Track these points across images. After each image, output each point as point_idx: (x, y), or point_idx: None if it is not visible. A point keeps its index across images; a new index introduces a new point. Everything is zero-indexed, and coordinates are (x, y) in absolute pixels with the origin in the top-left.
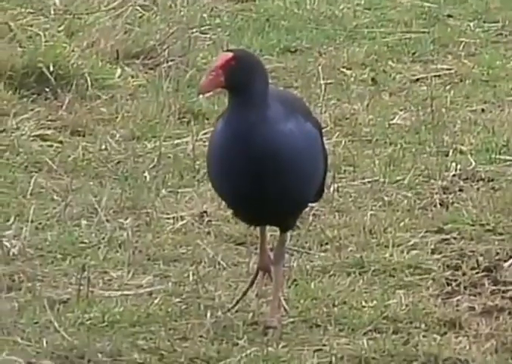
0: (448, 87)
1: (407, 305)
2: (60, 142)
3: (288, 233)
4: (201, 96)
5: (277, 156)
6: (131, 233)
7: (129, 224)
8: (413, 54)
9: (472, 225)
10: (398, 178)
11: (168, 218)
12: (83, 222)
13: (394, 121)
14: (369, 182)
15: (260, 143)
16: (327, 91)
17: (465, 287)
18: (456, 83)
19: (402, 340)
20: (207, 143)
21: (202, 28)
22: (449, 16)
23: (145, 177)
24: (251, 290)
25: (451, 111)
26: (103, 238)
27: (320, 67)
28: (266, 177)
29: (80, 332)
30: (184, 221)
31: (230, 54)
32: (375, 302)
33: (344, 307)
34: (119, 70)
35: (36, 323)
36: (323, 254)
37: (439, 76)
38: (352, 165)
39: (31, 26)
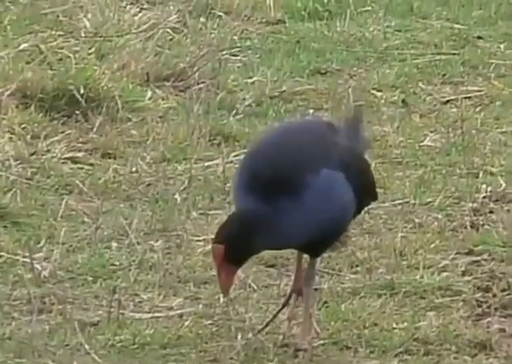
0: (478, 109)
1: (437, 327)
2: (91, 164)
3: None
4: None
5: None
6: (161, 255)
7: (159, 246)
8: (444, 75)
9: (503, 246)
10: (429, 200)
11: (199, 240)
12: (114, 244)
13: (424, 143)
14: (399, 204)
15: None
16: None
17: (496, 309)
18: (486, 105)
19: (433, 362)
20: (237, 165)
21: (232, 50)
22: (479, 37)
23: (176, 199)
24: (281, 312)
25: (481, 132)
26: (133, 260)
27: (350, 89)
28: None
29: (111, 354)
30: None
31: (221, 247)
32: (405, 323)
33: (375, 329)
34: (149, 93)
35: (67, 345)
36: (353, 276)
37: (469, 97)
38: (383, 187)
39: (61, 48)
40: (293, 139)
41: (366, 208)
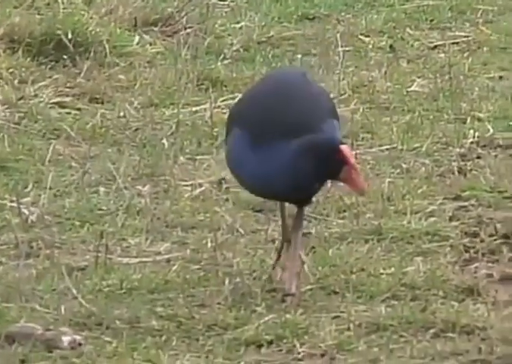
0: (465, 54)
1: (424, 273)
2: (79, 109)
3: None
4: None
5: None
6: (149, 200)
7: (147, 191)
8: (431, 21)
9: (491, 192)
10: (416, 145)
11: (186, 185)
12: (101, 189)
13: (412, 88)
14: (387, 149)
15: None
16: (345, 58)
17: (483, 254)
18: (474, 51)
19: (420, 307)
20: (225, 110)
21: None
22: None
23: (163, 144)
24: (269, 256)
25: (469, 78)
26: (121, 205)
27: (338, 35)
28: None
29: (98, 299)
30: (202, 188)
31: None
32: (393, 269)
33: (362, 274)
34: (137, 38)
35: (54, 290)
36: (340, 221)
37: (457, 43)
38: (370, 132)
39: None
40: (296, 91)
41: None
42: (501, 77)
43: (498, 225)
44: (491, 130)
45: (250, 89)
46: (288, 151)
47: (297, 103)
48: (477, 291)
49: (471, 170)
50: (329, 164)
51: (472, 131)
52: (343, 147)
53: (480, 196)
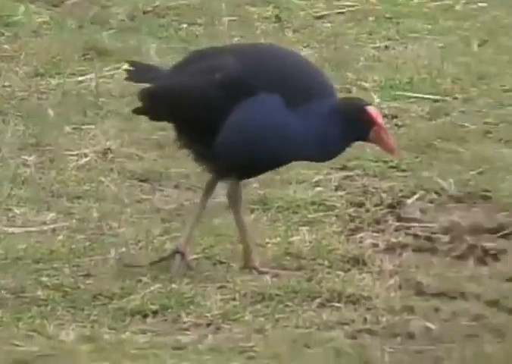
0: (351, 24)
1: (310, 242)
2: None
3: None
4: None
5: None
6: (34, 170)
7: (32, 160)
8: None
9: (376, 162)
10: None
11: (72, 155)
12: None
13: None
14: None
15: None
16: (231, 28)
17: (368, 224)
18: (359, 20)
19: (306, 277)
20: (110, 80)
21: None
22: None
23: (49, 113)
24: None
25: (355, 47)
26: (6, 175)
27: (223, 4)
28: None
29: None
30: (87, 158)
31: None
32: (278, 238)
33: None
34: (22, 7)
35: None
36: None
37: (343, 13)
38: None
39: None
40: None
41: None
42: (386, 47)
43: (383, 195)
44: (377, 100)
45: (241, 54)
46: (321, 113)
47: (313, 68)
48: (362, 261)
49: None
50: (358, 124)
51: None
52: (370, 108)
53: (366, 165)
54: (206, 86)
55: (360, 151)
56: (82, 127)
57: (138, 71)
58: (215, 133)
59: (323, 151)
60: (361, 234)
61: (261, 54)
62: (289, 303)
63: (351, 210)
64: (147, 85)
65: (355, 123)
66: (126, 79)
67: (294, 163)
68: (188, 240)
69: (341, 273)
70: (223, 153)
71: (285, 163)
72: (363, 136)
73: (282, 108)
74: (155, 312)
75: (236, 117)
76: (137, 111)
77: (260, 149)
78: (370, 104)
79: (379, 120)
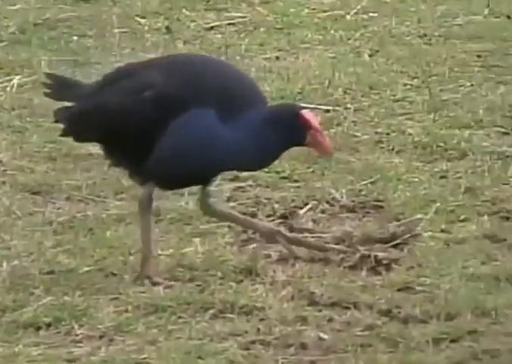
0: (242, 35)
1: (203, 253)
2: None
3: None
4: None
5: None
6: None
7: None
8: (207, 2)
9: (268, 172)
10: None
11: None
12: None
13: None
14: None
15: None
16: (121, 40)
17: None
18: (250, 31)
19: (198, 288)
20: (1, 93)
21: None
22: None
23: None
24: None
25: (246, 58)
26: None
27: (114, 16)
28: None
29: None
30: None
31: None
32: (171, 250)
33: (141, 255)
34: None
35: None
36: (118, 203)
37: (233, 24)
38: None
39: None
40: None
41: None
42: (277, 58)
43: (276, 205)
44: None
45: (159, 71)
46: (255, 122)
47: (241, 77)
48: (255, 272)
49: None
50: (293, 129)
51: None
52: (304, 112)
53: (258, 176)
54: (136, 105)
55: None
56: None
57: (59, 87)
58: (149, 150)
59: (260, 160)
60: (254, 245)
61: (188, 68)
62: (182, 315)
63: None
64: (67, 103)
65: (290, 129)
66: (46, 95)
67: None
68: (151, 263)
69: (234, 284)
70: (159, 170)
71: (222, 172)
72: (299, 141)
73: (215, 123)
74: (48, 325)
75: (170, 135)
76: (64, 134)
77: (196, 164)
78: (305, 108)
79: (315, 123)
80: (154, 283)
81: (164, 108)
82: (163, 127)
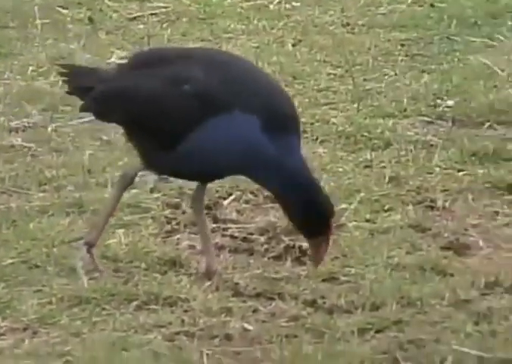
0: (164, 25)
1: (126, 245)
2: None
3: None
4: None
5: None
6: None
7: None
8: None
9: None
10: None
11: None
12: None
13: (111, 60)
14: (87, 121)
15: None
16: (44, 31)
17: (185, 226)
18: (173, 21)
19: (122, 280)
20: None
21: None
22: None
23: None
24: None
25: None
26: None
27: (36, 7)
28: None
29: None
30: None
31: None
32: None
33: (64, 247)
34: None
35: None
36: (41, 194)
37: (156, 14)
38: (70, 105)
39: None
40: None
41: (54, 126)
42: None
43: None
44: None
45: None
46: (298, 166)
47: (284, 93)
48: (179, 263)
49: None
50: (314, 219)
51: None
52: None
53: None
54: (174, 97)
55: None
56: None
57: (76, 75)
58: (175, 142)
59: (270, 183)
60: (178, 236)
61: (231, 68)
62: (106, 306)
63: (167, 212)
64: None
65: (315, 220)
66: (66, 83)
67: (108, 163)
68: (99, 233)
69: (158, 275)
70: (184, 163)
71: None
72: (308, 234)
73: (258, 131)
74: None
75: (208, 132)
76: (84, 109)
77: (224, 165)
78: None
79: (331, 235)
80: (89, 253)
81: (205, 104)
82: (199, 122)
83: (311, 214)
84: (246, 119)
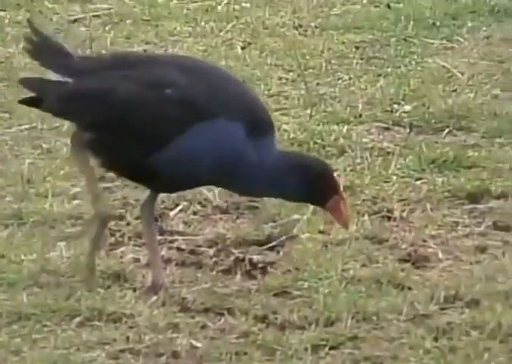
0: (107, 28)
1: (68, 258)
2: None
3: None
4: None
5: None
6: None
7: None
8: None
9: None
10: (57, 125)
11: None
12: None
13: None
14: (26, 129)
15: None
16: None
17: (129, 238)
18: (116, 23)
19: (64, 295)
20: None
21: None
22: None
23: None
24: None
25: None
26: None
27: None
28: None
29: None
30: None
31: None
32: (35, 255)
33: (2, 261)
34: None
35: None
36: None
37: (98, 16)
38: (8, 112)
39: None
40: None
41: None
42: (145, 51)
43: None
44: None
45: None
46: (283, 162)
47: (258, 98)
48: (124, 277)
49: None
50: (318, 189)
51: None
52: (336, 175)
53: None
54: (155, 100)
55: None
56: None
57: (44, 49)
58: (155, 148)
59: (265, 195)
60: (122, 249)
61: (210, 75)
62: (47, 323)
63: (111, 223)
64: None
65: (316, 187)
66: (28, 52)
67: (48, 173)
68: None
69: (102, 290)
70: (166, 170)
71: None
72: (320, 202)
73: (244, 138)
74: None
75: (193, 137)
76: (45, 109)
77: (209, 172)
78: (334, 170)
79: (342, 190)
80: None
81: (190, 110)
82: (183, 128)
83: (311, 183)
84: (232, 125)
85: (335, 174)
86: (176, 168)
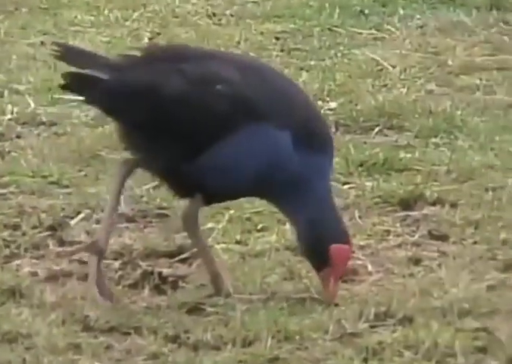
0: (1, 17)
1: None
2: None
3: None
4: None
5: None
6: None
7: None
8: None
9: (33, 177)
10: None
11: None
12: None
13: None
14: None
15: None
16: None
17: (26, 249)
18: (11, 12)
19: None
20: None
21: None
22: None
23: None
24: None
25: (6, 44)
26: None
27: None
28: None
29: None
30: None
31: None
32: None
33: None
34: None
35: None
36: None
37: None
38: None
39: None
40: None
41: None
42: (42, 43)
43: (43, 215)
44: (33, 105)
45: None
46: (323, 192)
47: (313, 103)
48: (20, 292)
49: (10, 151)
50: (313, 247)
51: (10, 106)
52: (344, 247)
53: (21, 181)
54: (206, 96)
55: (13, 165)
56: None
57: (73, 54)
58: (201, 148)
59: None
60: (18, 262)
61: (267, 76)
62: None
63: (5, 234)
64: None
65: (322, 251)
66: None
67: None
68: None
69: None
70: (208, 176)
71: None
72: (313, 263)
73: (290, 147)
74: None
75: (240, 143)
76: (89, 103)
77: (252, 179)
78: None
79: (342, 265)
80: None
81: (239, 108)
82: (231, 128)
83: (312, 240)
84: (280, 132)
85: (345, 247)
86: (222, 174)
